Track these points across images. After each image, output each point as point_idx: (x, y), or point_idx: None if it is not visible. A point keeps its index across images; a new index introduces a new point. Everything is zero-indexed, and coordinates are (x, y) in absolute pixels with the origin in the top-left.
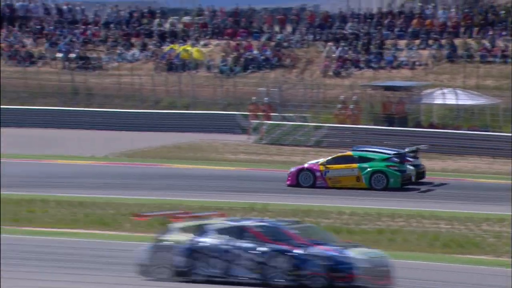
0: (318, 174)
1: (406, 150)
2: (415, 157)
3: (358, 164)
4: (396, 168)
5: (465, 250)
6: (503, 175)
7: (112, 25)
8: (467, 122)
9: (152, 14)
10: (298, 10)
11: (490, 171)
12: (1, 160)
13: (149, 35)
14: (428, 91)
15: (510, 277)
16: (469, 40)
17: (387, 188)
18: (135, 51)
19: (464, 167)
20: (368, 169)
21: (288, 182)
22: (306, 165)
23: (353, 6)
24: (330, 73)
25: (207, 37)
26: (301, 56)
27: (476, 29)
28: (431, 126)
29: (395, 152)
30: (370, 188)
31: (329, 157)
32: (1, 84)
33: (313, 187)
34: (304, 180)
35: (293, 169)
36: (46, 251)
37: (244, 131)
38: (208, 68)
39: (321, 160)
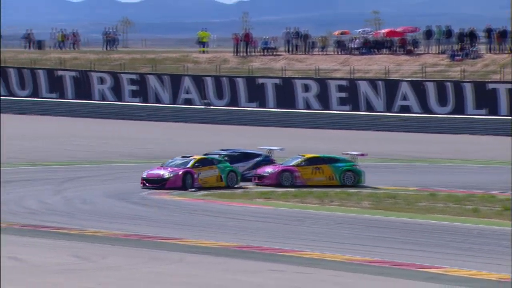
0: (195, 176)
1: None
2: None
3: (217, 166)
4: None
5: None
6: None
7: None
8: None
9: None
10: None
11: None
12: None
13: None
14: None
15: None
16: None
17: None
18: None
19: None
20: (225, 169)
21: (171, 185)
22: (187, 168)
23: None
24: None
25: None
26: None
27: None
28: None
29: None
30: (228, 186)
31: (195, 159)
32: None
33: (193, 187)
34: (187, 182)
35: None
36: None
37: None
38: None
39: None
